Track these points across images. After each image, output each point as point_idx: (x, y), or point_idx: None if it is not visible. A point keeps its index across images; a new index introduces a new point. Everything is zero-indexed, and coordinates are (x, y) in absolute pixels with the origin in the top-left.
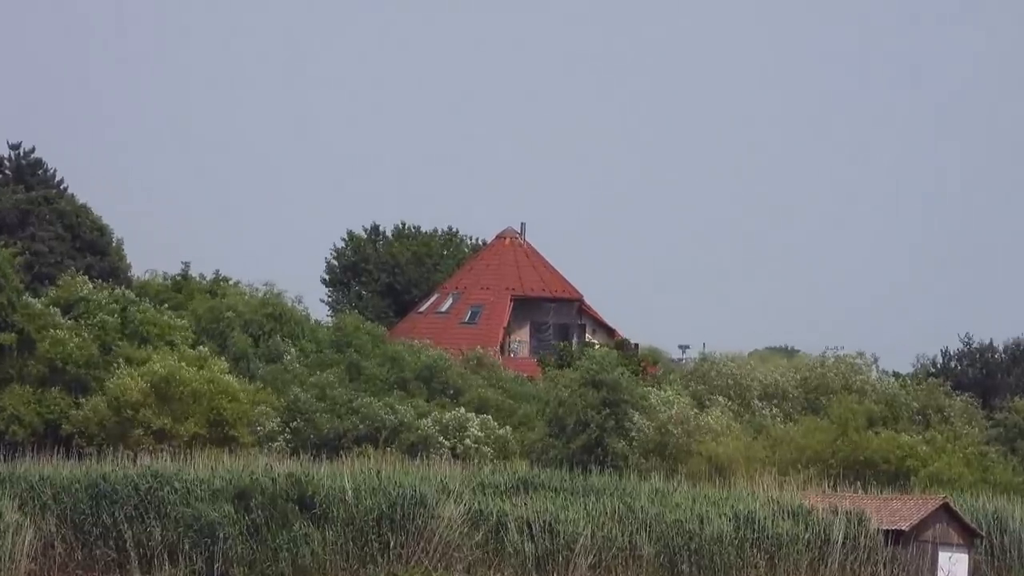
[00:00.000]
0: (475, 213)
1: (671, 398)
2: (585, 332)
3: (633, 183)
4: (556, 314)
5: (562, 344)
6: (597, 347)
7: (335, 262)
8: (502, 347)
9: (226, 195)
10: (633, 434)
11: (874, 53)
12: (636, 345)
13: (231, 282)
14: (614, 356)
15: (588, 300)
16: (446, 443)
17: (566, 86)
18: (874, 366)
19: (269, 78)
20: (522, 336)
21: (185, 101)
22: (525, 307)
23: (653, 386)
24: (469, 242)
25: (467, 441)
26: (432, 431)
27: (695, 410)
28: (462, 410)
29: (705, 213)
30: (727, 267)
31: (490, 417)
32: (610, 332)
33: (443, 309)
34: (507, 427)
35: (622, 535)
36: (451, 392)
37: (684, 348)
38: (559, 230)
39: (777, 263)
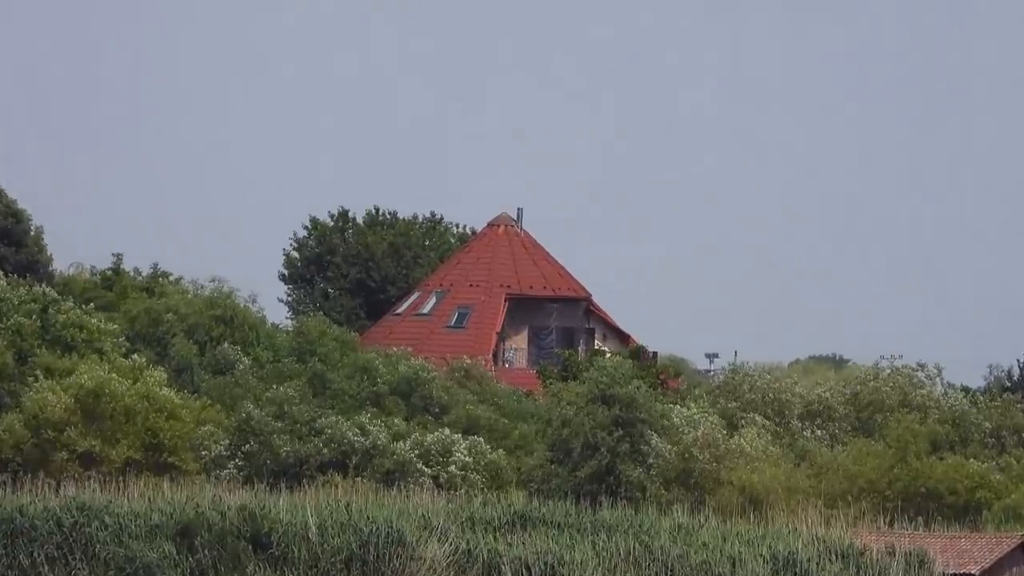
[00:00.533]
0: (463, 197)
1: (697, 417)
2: (594, 338)
3: (650, 161)
4: (560, 316)
5: (567, 352)
6: (608, 356)
7: (295, 254)
8: (495, 356)
9: (165, 175)
10: (651, 460)
11: (925, 44)
12: (655, 353)
13: (171, 278)
14: (628, 366)
15: (597, 300)
16: (428, 470)
17: (569, 44)
18: (938, 379)
19: (217, 41)
20: (519, 343)
21: (111, 68)
22: (522, 308)
23: (675, 402)
24: (456, 231)
25: (453, 468)
26: (411, 456)
27: (725, 431)
28: (447, 431)
29: (737, 199)
30: (762, 262)
31: (481, 439)
32: (624, 338)
33: (425, 311)
34: (500, 451)
35: None
36: (434, 410)
37: (712, 357)
38: (563, 217)
39: (821, 259)
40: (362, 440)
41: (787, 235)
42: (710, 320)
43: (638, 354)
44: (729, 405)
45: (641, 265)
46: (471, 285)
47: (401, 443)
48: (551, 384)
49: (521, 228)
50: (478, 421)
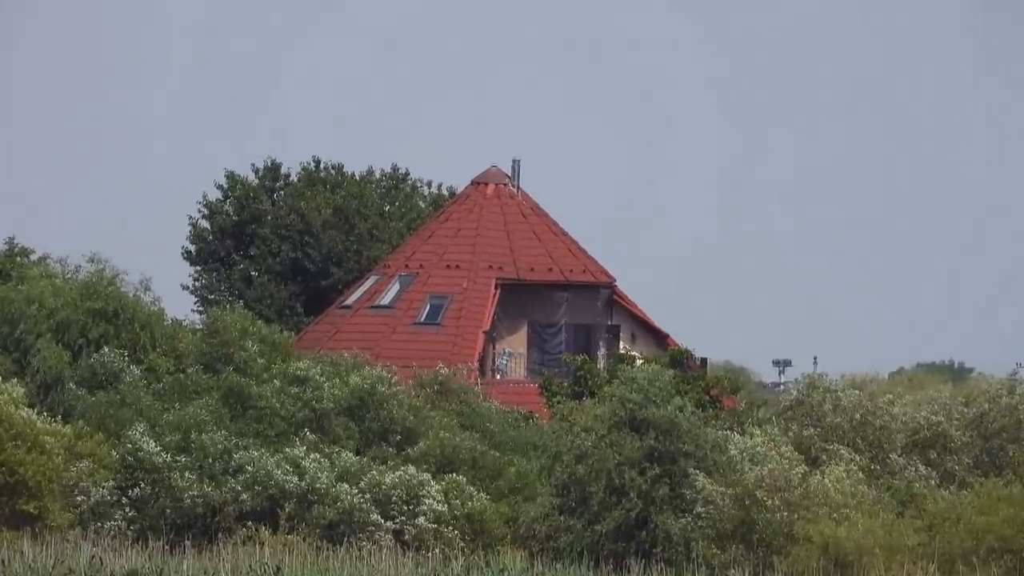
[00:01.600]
0: (438, 145)
1: (762, 448)
2: (619, 338)
3: (690, 101)
4: (572, 309)
5: (580, 358)
6: (640, 363)
7: (205, 224)
8: (482, 363)
9: (24, 120)
10: (699, 508)
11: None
12: (703, 360)
13: (33, 257)
14: (667, 378)
15: (623, 286)
16: (388, 523)
17: None
18: None
19: None
20: (515, 345)
21: None
22: (519, 298)
23: (732, 428)
24: (427, 192)
25: (422, 520)
26: (365, 503)
27: (801, 467)
28: (413, 469)
29: (811, 156)
30: (851, 241)
31: (462, 479)
32: (660, 338)
33: (385, 301)
34: (487, 496)
35: None
36: (397, 438)
37: (782, 366)
38: (574, 174)
39: (935, 238)
40: (296, 481)
41: (884, 207)
42: (779, 315)
43: (680, 361)
44: (806, 432)
45: (684, 240)
46: (449, 266)
47: (350, 485)
48: (560, 403)
49: (518, 188)
50: (458, 454)
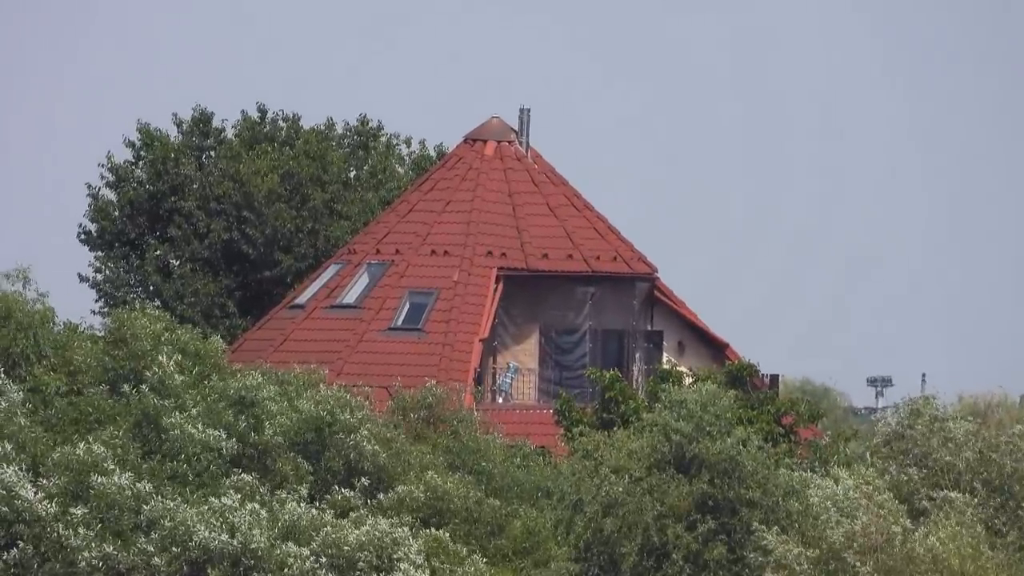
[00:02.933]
0: (420, 90)
1: (852, 493)
2: (661, 349)
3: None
4: (599, 310)
5: (610, 375)
6: (689, 381)
7: (110, 195)
8: (478, 380)
9: None
10: (769, 574)
11: None
12: (774, 379)
13: None
14: (727, 402)
15: (668, 279)
16: None
17: None
18: None
19: None
20: (523, 357)
21: None
22: (529, 294)
23: (812, 468)
24: (407, 151)
25: None
26: (319, 569)
27: (903, 519)
28: (384, 523)
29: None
30: (968, 226)
31: (446, 536)
32: (716, 349)
33: (350, 299)
34: (483, 558)
35: None
36: (364, 481)
37: (880, 385)
38: (603, 128)
39: None
40: (226, 540)
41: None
42: (877, 319)
43: (743, 379)
44: (908, 473)
45: (748, 221)
46: (435, 252)
47: (299, 544)
48: (582, 435)
49: (527, 146)
50: (447, 503)
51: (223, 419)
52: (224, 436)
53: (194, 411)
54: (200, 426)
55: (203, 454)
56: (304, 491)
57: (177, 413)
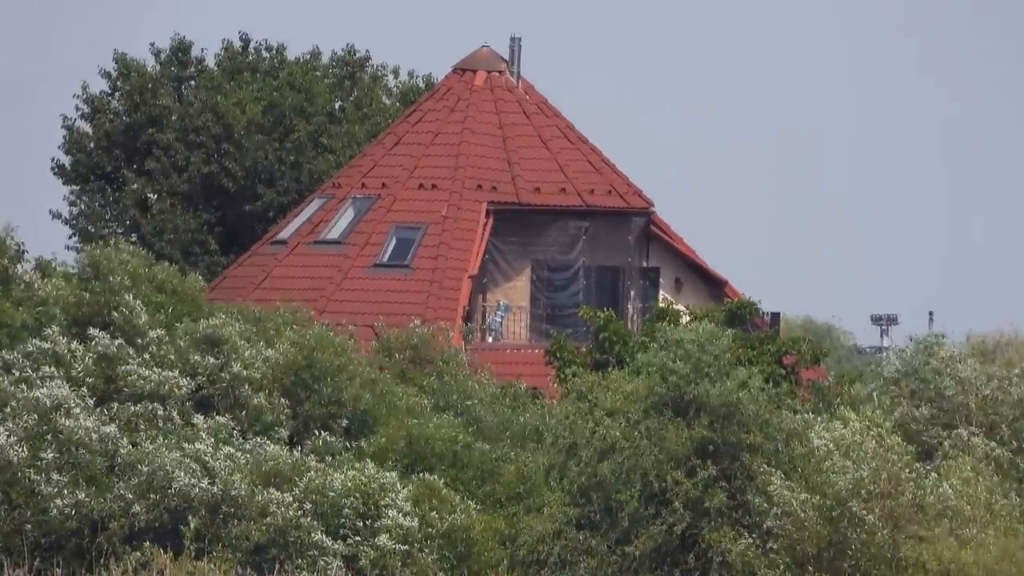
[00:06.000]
0: (409, 19)
1: (858, 438)
2: (658, 285)
3: None
4: (593, 245)
5: (605, 314)
6: (687, 320)
7: (85, 127)
8: (467, 319)
9: None
10: (771, 523)
11: None
12: (775, 317)
13: None
14: (726, 342)
15: (665, 214)
16: (336, 544)
17: None
18: None
19: None
20: (515, 295)
21: None
22: (520, 230)
23: (815, 410)
24: (394, 82)
25: (384, 538)
26: (302, 516)
27: (914, 463)
28: (370, 468)
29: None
30: (971, 157)
31: (439, 481)
32: (715, 286)
33: (334, 235)
34: (474, 504)
35: None
36: (347, 423)
37: (885, 323)
38: (598, 58)
39: None
40: (205, 486)
41: None
42: (879, 255)
43: (743, 318)
44: (918, 414)
45: (749, 152)
46: (423, 186)
47: (281, 491)
48: (576, 376)
49: (518, 77)
50: (434, 447)
51: (189, 359)
52: (178, 376)
53: (152, 352)
54: (156, 368)
55: (168, 397)
56: (284, 434)
57: (131, 355)
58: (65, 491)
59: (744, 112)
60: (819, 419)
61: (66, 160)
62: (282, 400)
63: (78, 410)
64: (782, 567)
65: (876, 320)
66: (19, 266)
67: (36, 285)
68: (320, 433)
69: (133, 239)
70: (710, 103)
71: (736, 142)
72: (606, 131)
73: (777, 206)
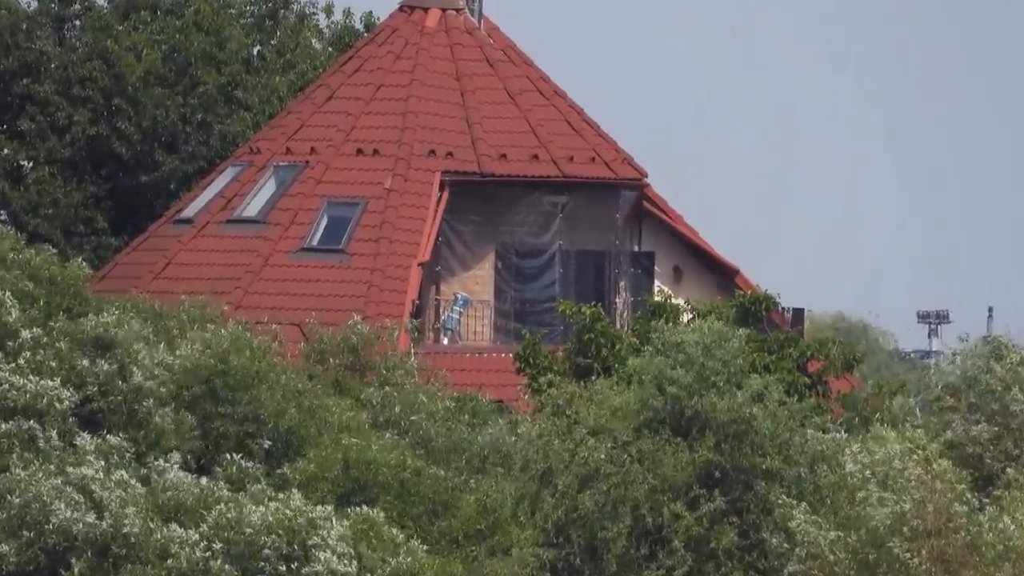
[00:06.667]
0: None
1: (900, 460)
2: (653, 274)
3: None
4: (572, 225)
5: (588, 310)
6: (689, 316)
7: None
8: (417, 315)
9: None
10: (793, 567)
11: None
12: (798, 313)
13: None
14: (738, 344)
15: (660, 187)
16: None
17: None
18: None
19: None
20: (476, 286)
21: None
22: (483, 206)
23: (849, 427)
24: (326, 23)
25: None
26: (210, 559)
27: (969, 494)
28: (298, 498)
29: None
30: None
31: (381, 516)
32: (724, 275)
33: (252, 212)
34: (423, 543)
35: None
36: (268, 443)
37: (933, 321)
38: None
39: None
40: (92, 521)
41: None
42: (929, 239)
43: (758, 314)
44: (975, 433)
45: (765, 112)
46: (361, 151)
47: (185, 528)
48: (551, 386)
49: (479, 15)
50: (375, 473)
51: (75, 366)
52: (59, 386)
53: (26, 357)
54: (32, 376)
55: (46, 412)
56: (190, 458)
57: (1, 361)
58: None
59: (754, 58)
60: (852, 439)
61: None
62: (188, 416)
63: None
64: None
65: (923, 317)
66: None
67: None
68: (234, 456)
69: (2, 216)
70: (718, 48)
71: (744, 102)
72: (589, 84)
73: (799, 177)
